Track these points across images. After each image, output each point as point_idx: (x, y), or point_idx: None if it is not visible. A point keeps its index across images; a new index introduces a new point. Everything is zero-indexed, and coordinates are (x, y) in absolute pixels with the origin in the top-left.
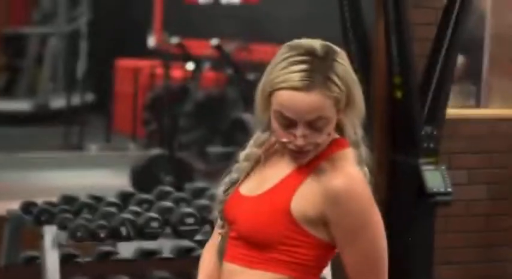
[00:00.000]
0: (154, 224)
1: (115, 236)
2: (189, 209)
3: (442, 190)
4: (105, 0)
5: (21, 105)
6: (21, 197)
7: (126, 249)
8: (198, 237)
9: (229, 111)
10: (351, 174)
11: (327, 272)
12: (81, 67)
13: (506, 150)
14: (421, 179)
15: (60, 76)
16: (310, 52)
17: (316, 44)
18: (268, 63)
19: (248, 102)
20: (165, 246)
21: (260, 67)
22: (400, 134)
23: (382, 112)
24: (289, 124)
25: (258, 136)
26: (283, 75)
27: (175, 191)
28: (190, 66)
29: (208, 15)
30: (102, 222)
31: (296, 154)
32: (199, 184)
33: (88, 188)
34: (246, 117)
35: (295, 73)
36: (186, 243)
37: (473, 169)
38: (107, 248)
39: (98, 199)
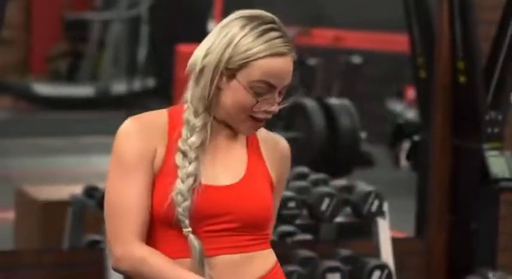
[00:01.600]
0: None
1: None
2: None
3: (507, 175)
4: None
5: (83, 90)
6: (84, 182)
7: None
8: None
9: (290, 95)
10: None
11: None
12: (142, 52)
13: None
14: (485, 165)
15: (121, 61)
16: (272, 20)
17: (267, 13)
18: (322, 48)
19: (309, 87)
20: None
21: (321, 52)
22: (464, 119)
23: (445, 97)
24: (265, 92)
25: (193, 123)
26: (262, 43)
27: None
28: None
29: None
30: None
31: (258, 123)
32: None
33: None
34: (308, 101)
35: (276, 40)
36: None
37: None
38: None
39: None
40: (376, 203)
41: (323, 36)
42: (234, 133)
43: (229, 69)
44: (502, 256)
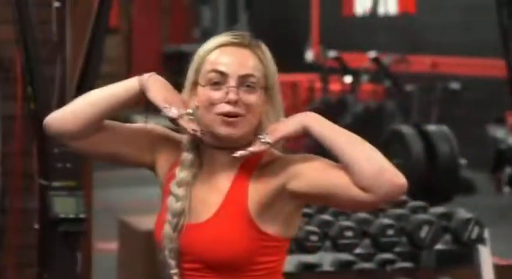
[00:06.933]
0: (314, 237)
1: None
2: (348, 223)
3: None
4: (263, 16)
5: None
6: None
7: (287, 263)
8: (358, 250)
9: (388, 123)
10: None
11: None
12: None
13: None
14: None
15: None
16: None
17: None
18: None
19: (407, 114)
20: (325, 259)
21: (418, 79)
22: None
23: None
24: (219, 81)
25: (185, 156)
26: (212, 42)
27: None
28: (348, 79)
29: (365, 27)
30: None
31: (227, 118)
32: None
33: None
34: (405, 128)
35: (225, 37)
36: (345, 256)
37: None
38: None
39: None
40: (476, 230)
41: (419, 63)
42: (229, 158)
43: (196, 81)
44: None
